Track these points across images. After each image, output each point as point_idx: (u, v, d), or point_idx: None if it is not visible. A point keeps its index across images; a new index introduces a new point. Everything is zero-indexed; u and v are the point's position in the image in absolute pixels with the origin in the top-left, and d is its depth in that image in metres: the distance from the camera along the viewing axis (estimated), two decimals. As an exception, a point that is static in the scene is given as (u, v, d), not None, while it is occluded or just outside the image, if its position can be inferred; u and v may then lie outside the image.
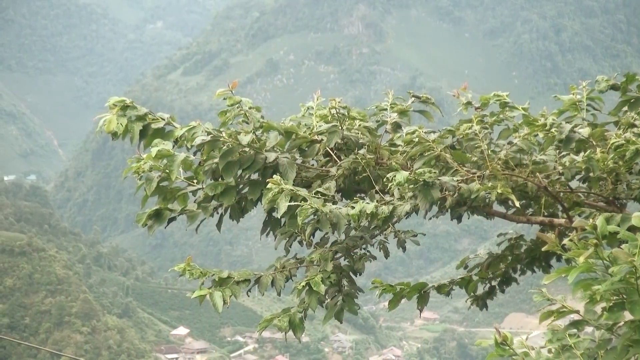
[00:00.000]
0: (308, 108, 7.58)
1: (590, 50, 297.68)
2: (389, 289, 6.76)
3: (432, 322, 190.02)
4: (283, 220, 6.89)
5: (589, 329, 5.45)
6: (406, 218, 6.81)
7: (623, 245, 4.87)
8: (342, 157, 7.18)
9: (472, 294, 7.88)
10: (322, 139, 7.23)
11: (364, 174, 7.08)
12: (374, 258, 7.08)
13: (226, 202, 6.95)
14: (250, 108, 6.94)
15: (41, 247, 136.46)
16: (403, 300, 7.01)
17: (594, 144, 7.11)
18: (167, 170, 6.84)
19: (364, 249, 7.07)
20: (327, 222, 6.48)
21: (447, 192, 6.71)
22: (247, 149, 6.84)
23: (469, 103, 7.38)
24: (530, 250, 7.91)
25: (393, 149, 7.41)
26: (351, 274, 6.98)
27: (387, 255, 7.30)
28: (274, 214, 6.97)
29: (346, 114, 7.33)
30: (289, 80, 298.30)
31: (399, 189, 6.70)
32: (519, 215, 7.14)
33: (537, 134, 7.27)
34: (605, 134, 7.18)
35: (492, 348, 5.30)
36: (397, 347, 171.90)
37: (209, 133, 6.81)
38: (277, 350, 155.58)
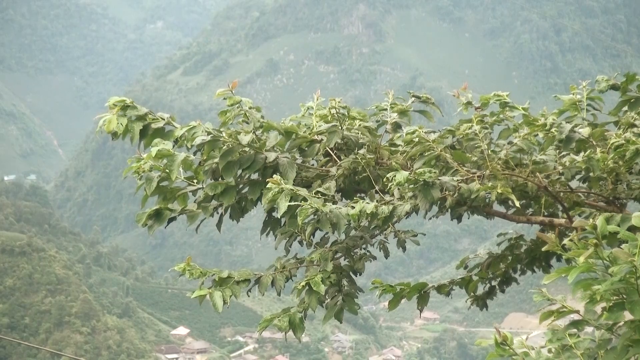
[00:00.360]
0: (308, 108, 7.57)
1: (590, 50, 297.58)
2: (389, 289, 6.75)
3: (432, 322, 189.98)
4: (283, 220, 6.88)
5: (589, 329, 5.44)
6: (406, 218, 6.80)
7: (623, 245, 4.86)
8: (342, 157, 7.17)
9: (472, 294, 7.87)
10: (322, 139, 7.23)
11: (364, 174, 7.07)
12: (374, 258, 7.07)
13: (226, 202, 6.95)
14: (250, 108, 6.94)
15: (41, 247, 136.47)
16: (403, 300, 6.99)
17: (594, 144, 7.11)
18: (167, 170, 6.83)
19: (364, 249, 7.06)
20: (327, 222, 6.47)
21: (447, 192, 6.71)
22: (247, 149, 6.84)
23: (469, 103, 7.37)
24: (530, 250, 7.90)
25: (393, 149, 7.41)
26: (351, 274, 6.97)
27: (387, 255, 7.28)
28: (274, 213, 6.98)
29: (346, 114, 7.33)
30: (289, 80, 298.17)
31: (399, 189, 6.70)
32: (519, 215, 7.13)
33: (537, 134, 7.26)
34: (605, 134, 7.17)
35: (492, 348, 5.30)
36: (397, 347, 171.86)
37: (209, 133, 6.80)
38: (277, 350, 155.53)
